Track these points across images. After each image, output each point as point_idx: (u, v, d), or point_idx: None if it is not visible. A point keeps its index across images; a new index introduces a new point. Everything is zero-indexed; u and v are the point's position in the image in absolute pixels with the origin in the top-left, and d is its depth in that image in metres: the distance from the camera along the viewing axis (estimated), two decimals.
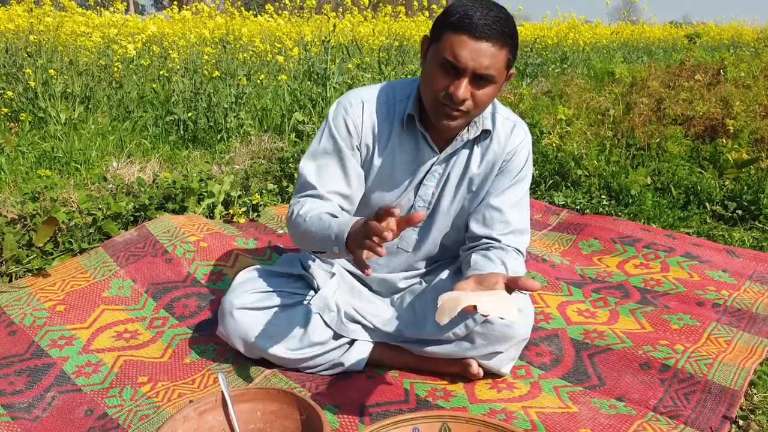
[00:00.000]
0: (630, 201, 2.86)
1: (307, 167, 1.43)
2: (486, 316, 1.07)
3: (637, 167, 3.19)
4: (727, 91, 4.19)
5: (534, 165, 3.27)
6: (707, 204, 2.82)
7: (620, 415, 1.37)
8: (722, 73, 5.13)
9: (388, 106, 1.45)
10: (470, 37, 1.23)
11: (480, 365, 1.49)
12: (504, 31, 1.24)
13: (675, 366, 1.54)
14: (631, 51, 10.00)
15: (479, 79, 1.27)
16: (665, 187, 3.00)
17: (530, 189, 3.15)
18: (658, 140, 3.44)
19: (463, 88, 1.26)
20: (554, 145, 3.38)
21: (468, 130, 1.44)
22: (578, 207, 2.84)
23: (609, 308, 1.89)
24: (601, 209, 2.80)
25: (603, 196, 2.92)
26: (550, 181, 3.14)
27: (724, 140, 3.34)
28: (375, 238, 1.09)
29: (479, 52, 1.23)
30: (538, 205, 2.84)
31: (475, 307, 1.04)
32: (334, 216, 1.29)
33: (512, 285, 1.13)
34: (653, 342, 1.65)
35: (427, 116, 1.40)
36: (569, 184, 3.10)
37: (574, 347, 1.66)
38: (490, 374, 1.51)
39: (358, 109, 1.44)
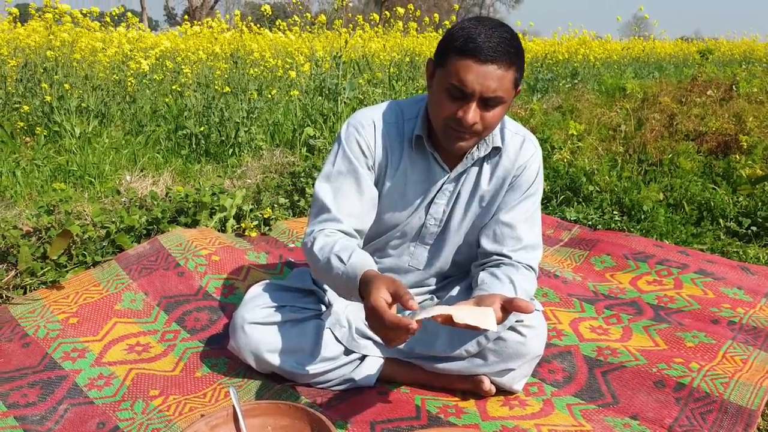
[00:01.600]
0: (642, 217, 2.85)
1: (323, 189, 1.43)
2: (462, 325, 1.09)
3: (649, 183, 3.17)
4: (740, 107, 4.18)
5: (545, 180, 3.27)
6: (721, 220, 2.80)
7: None
8: (734, 89, 5.11)
9: (397, 126, 1.46)
10: (476, 61, 1.22)
11: (492, 382, 1.48)
12: (510, 51, 1.24)
13: (690, 384, 1.52)
14: (642, 66, 10.01)
15: (488, 102, 1.26)
16: (678, 203, 2.98)
17: (542, 204, 3.15)
18: (670, 156, 3.43)
19: (472, 113, 1.26)
20: (565, 160, 3.38)
21: (478, 147, 1.44)
22: (590, 223, 2.83)
23: (622, 325, 1.87)
24: (613, 225, 2.78)
25: (615, 212, 2.91)
26: (562, 197, 3.13)
27: (737, 156, 3.32)
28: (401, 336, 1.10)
29: (486, 76, 1.23)
30: (550, 221, 2.83)
31: (451, 317, 1.08)
32: (342, 261, 1.26)
33: (507, 306, 1.15)
34: (668, 360, 1.63)
35: (436, 135, 1.41)
36: (581, 200, 3.09)
37: (587, 364, 1.64)
38: (502, 391, 1.50)
39: (371, 130, 1.44)
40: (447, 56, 1.27)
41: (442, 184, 1.47)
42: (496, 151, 1.46)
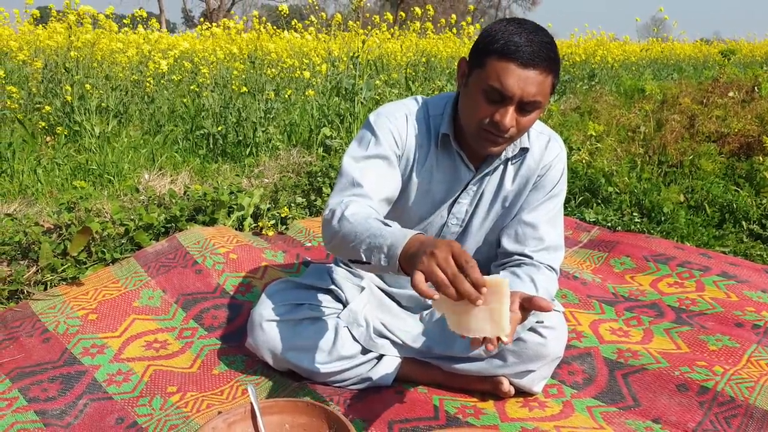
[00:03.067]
0: (662, 219, 2.81)
1: (353, 167, 1.35)
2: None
3: (669, 185, 3.13)
4: (763, 108, 4.11)
5: None
6: (743, 223, 2.75)
7: None
8: (757, 90, 5.03)
9: (426, 122, 1.44)
10: (518, 65, 1.19)
11: (511, 383, 1.46)
12: (550, 56, 1.21)
13: (714, 388, 1.49)
14: (661, 68, 9.89)
15: (526, 107, 1.24)
16: (699, 204, 2.94)
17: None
18: (691, 157, 3.38)
19: (509, 117, 1.23)
20: (584, 161, 3.35)
21: (506, 149, 1.42)
22: (609, 224, 2.80)
23: (643, 327, 1.84)
24: (632, 227, 2.75)
25: (635, 214, 2.87)
26: (581, 198, 3.10)
27: (760, 158, 3.26)
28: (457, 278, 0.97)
29: (527, 81, 1.20)
30: (569, 222, 2.80)
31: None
32: (386, 224, 1.16)
33: (526, 305, 1.13)
34: (690, 363, 1.60)
35: (462, 134, 1.39)
36: (600, 201, 3.06)
37: (608, 366, 1.62)
38: (521, 392, 1.48)
39: (403, 122, 1.41)
40: (486, 57, 1.23)
41: (467, 184, 1.45)
42: (523, 151, 1.44)
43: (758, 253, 2.48)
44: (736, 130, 3.68)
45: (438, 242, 1.02)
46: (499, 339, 1.04)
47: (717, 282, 2.15)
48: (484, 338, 1.04)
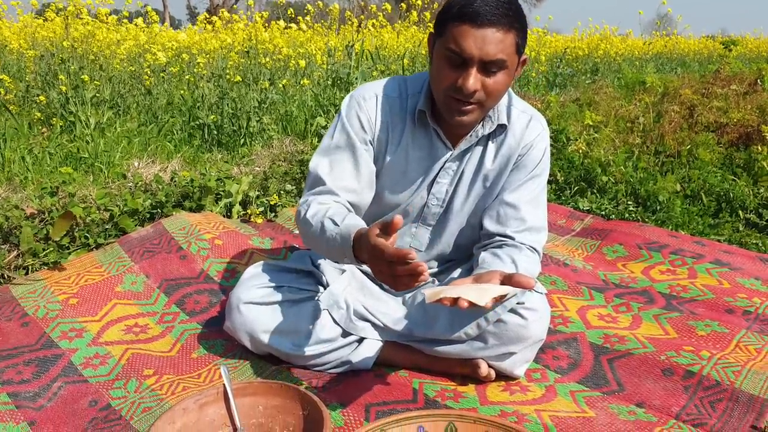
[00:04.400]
0: (658, 208, 2.77)
1: (320, 163, 1.40)
2: (451, 300, 1.03)
3: (666, 174, 3.08)
4: (764, 100, 4.05)
5: (559, 171, 3.20)
6: (740, 212, 2.71)
7: (639, 421, 1.30)
8: (759, 83, 4.96)
9: (401, 100, 1.42)
10: (473, 26, 1.20)
11: (492, 366, 1.43)
12: (508, 14, 1.20)
13: (700, 372, 1.45)
14: (665, 63, 9.80)
15: (489, 67, 1.23)
16: (695, 194, 2.89)
17: (555, 194, 3.06)
18: (688, 147, 3.33)
19: (473, 79, 1.23)
20: (581, 151, 3.30)
21: (483, 125, 1.40)
22: (604, 213, 2.76)
23: (632, 313, 1.81)
24: (627, 215, 2.71)
25: (630, 203, 2.83)
26: (576, 188, 3.06)
27: (759, 147, 3.21)
28: (407, 269, 1.01)
29: (484, 40, 1.20)
30: (563, 211, 2.76)
31: (454, 300, 1.02)
32: (336, 224, 1.23)
33: (507, 282, 1.11)
34: (677, 348, 1.57)
35: (440, 111, 1.36)
36: (595, 191, 3.02)
37: (593, 351, 1.59)
38: (504, 376, 1.45)
39: (372, 103, 1.41)
40: (445, 24, 1.24)
41: (445, 162, 1.43)
42: (502, 128, 1.41)
43: (753, 241, 2.43)
44: (735, 120, 3.62)
45: (369, 256, 1.09)
46: (472, 304, 1.01)
47: (710, 269, 2.11)
48: (458, 298, 1.02)
